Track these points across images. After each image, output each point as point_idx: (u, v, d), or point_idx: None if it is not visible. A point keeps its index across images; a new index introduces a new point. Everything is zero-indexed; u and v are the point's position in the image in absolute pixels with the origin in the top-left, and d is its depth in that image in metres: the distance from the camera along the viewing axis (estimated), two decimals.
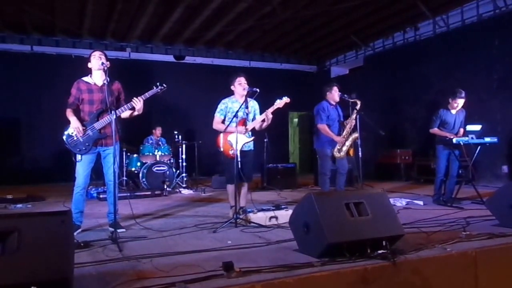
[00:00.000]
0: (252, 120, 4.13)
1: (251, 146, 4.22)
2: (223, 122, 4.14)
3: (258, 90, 3.96)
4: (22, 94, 8.58)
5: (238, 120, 3.99)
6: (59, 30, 8.64)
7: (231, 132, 4.00)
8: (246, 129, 4.03)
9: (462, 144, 4.79)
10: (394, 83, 9.30)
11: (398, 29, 9.17)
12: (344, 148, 4.81)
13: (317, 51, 10.91)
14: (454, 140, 4.79)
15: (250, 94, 4.03)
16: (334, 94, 4.91)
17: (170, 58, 10.10)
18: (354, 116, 4.78)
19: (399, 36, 9.36)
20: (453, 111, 5.02)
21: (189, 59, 10.28)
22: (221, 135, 4.11)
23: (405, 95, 8.93)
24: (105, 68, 3.39)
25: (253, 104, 4.22)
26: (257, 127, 4.09)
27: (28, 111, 8.64)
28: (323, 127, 4.87)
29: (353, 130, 4.80)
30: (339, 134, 4.89)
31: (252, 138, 4.17)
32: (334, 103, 4.97)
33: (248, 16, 8.04)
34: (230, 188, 4.14)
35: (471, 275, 2.54)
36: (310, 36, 9.54)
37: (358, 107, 4.73)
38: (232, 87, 4.21)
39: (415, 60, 8.73)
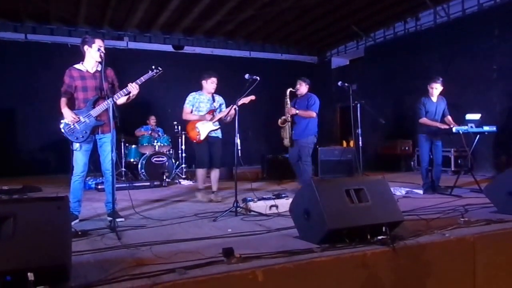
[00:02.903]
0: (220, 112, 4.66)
1: (218, 134, 4.72)
2: (191, 112, 4.71)
3: (258, 78, 3.95)
4: (16, 84, 8.46)
5: (207, 110, 4.64)
6: (54, 18, 8.51)
7: (199, 120, 4.60)
8: (212, 118, 4.60)
9: (461, 133, 4.78)
10: (394, 74, 9.26)
11: (399, 19, 9.10)
12: (285, 138, 5.24)
13: (318, 42, 10.84)
14: (454, 129, 4.79)
15: (250, 82, 3.99)
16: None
17: (168, 47, 10.00)
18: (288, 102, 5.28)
19: (400, 26, 9.29)
20: (434, 99, 5.07)
21: (188, 49, 10.19)
22: (190, 122, 4.70)
23: (406, 85, 8.87)
24: (101, 54, 3.33)
25: (219, 99, 4.81)
26: (227, 119, 4.45)
27: (23, 101, 8.53)
28: None
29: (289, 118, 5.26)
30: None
31: (218, 127, 4.65)
32: (298, 95, 5.39)
33: (248, 5, 7.96)
34: (199, 172, 4.77)
35: (469, 260, 2.56)
36: (311, 26, 9.46)
37: (287, 95, 5.31)
38: (203, 82, 4.73)
39: (416, 50, 8.68)
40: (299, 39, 10.52)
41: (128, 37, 9.55)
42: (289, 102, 5.33)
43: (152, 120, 7.66)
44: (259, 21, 9.03)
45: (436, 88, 5.00)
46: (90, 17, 8.52)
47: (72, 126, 3.41)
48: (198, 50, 10.25)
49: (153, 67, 3.53)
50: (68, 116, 3.40)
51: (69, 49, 8.66)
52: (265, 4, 7.89)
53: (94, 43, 3.42)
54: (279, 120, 5.26)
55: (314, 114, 5.16)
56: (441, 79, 5.04)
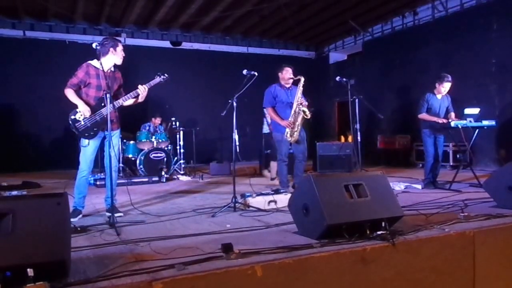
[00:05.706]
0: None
1: None
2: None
3: (256, 74, 3.95)
4: (15, 81, 8.43)
5: None
6: (52, 15, 8.46)
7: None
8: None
9: (460, 127, 4.77)
10: (392, 69, 9.25)
11: (397, 14, 9.06)
12: (295, 132, 4.51)
13: (315, 37, 10.79)
14: (453, 124, 4.77)
15: (248, 78, 3.98)
16: (285, 75, 4.63)
17: (166, 44, 9.96)
18: (299, 94, 4.50)
19: (398, 21, 9.26)
20: (439, 96, 5.03)
21: (186, 45, 10.14)
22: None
23: (404, 80, 8.88)
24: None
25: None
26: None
27: (22, 98, 8.50)
28: (269, 110, 4.72)
29: (303, 109, 4.45)
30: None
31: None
32: (286, 85, 4.69)
33: (245, 0, 7.90)
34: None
35: (469, 255, 2.56)
36: (309, 21, 9.42)
37: (301, 83, 4.52)
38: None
39: (414, 45, 8.66)
40: (296, 34, 10.46)
41: (126, 33, 9.49)
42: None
43: (157, 120, 7.60)
44: (257, 16, 8.98)
45: (447, 88, 4.93)
46: (87, 14, 8.47)
47: (82, 123, 3.42)
48: (196, 46, 10.19)
49: (159, 73, 3.64)
50: (83, 108, 3.39)
51: (67, 45, 8.62)
52: (262, 0, 7.85)
53: (118, 46, 3.48)
54: (307, 111, 4.46)
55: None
56: (450, 77, 4.92)
